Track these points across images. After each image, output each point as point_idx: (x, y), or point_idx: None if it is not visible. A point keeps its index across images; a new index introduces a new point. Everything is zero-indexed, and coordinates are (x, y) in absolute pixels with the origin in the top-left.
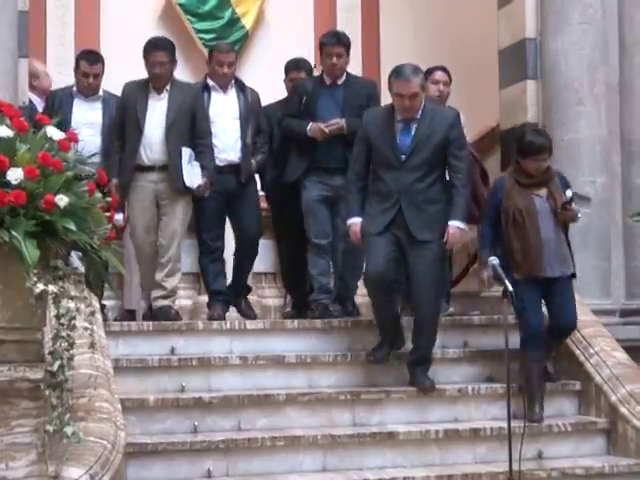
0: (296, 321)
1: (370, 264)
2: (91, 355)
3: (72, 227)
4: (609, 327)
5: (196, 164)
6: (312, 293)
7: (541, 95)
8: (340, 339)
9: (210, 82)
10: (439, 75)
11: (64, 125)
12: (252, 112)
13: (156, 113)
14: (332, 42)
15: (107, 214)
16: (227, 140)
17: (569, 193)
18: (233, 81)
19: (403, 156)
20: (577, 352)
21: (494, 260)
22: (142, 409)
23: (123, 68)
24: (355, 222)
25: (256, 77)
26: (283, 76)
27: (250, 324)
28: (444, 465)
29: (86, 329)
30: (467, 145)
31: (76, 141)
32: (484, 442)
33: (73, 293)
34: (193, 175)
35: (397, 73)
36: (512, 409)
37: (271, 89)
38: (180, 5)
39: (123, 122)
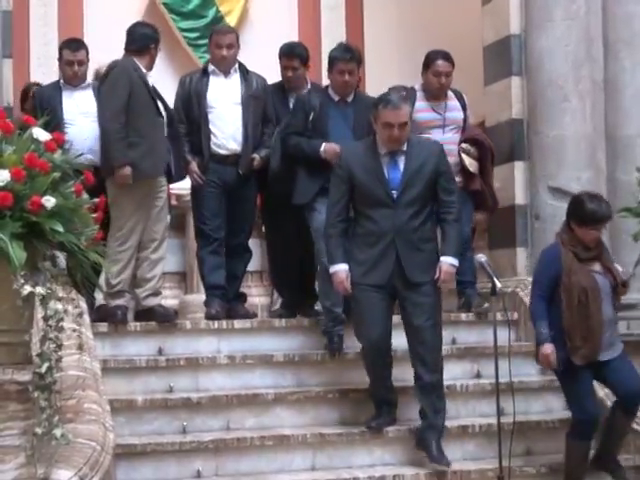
0: (284, 320)
1: (370, 327)
2: (79, 356)
3: (59, 228)
4: None
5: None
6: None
7: (526, 91)
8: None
9: (210, 66)
10: (442, 65)
11: (55, 120)
12: (256, 99)
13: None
14: (345, 58)
15: (94, 215)
16: (227, 128)
17: (620, 267)
18: (237, 65)
19: (395, 192)
20: None
21: (482, 257)
22: (130, 410)
23: None
24: (340, 270)
25: None
26: (277, 61)
27: (238, 323)
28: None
29: (74, 330)
30: (479, 132)
31: (62, 142)
32: (472, 439)
33: (61, 294)
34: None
35: (385, 102)
36: (501, 406)
37: None
38: (164, 4)
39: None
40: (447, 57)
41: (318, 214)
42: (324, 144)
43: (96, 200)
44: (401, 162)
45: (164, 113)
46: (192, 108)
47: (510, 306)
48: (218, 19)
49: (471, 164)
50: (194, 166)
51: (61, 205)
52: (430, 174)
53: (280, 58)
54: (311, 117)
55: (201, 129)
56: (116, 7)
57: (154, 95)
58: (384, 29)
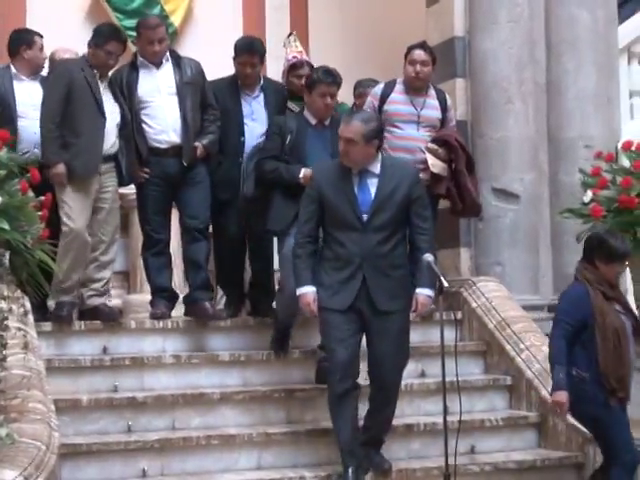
0: (229, 320)
1: (336, 352)
2: (24, 356)
3: (5, 226)
4: (538, 322)
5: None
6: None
7: (470, 93)
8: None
9: (139, 59)
10: (417, 54)
11: (8, 112)
12: (192, 85)
13: (106, 102)
14: (328, 81)
15: (39, 213)
16: (164, 119)
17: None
18: (168, 54)
19: (365, 216)
20: (508, 347)
21: (429, 257)
22: (75, 409)
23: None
24: (307, 292)
25: None
26: (221, 60)
27: (183, 322)
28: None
29: (19, 329)
30: (455, 133)
31: (7, 140)
32: (418, 437)
33: (5, 293)
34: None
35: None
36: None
37: None
38: (108, 2)
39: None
40: (425, 47)
41: (291, 239)
42: (303, 170)
43: (42, 198)
44: (373, 184)
45: (113, 114)
46: (126, 104)
47: (454, 306)
48: (162, 18)
49: (434, 165)
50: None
51: (7, 203)
52: (403, 199)
53: (238, 54)
54: (288, 141)
55: (133, 125)
56: (59, 5)
57: (98, 95)
58: (329, 30)
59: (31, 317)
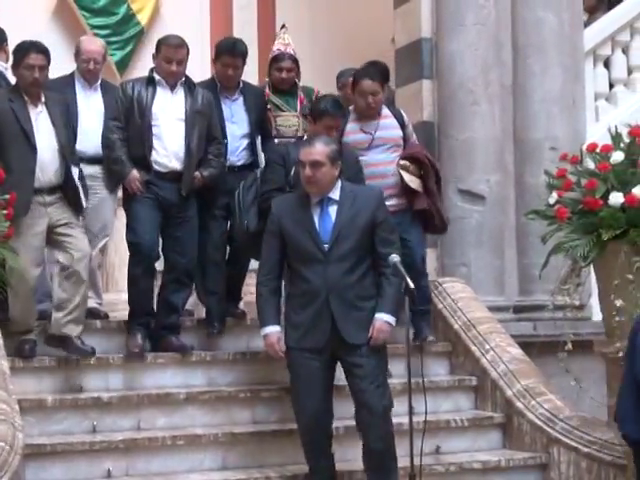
0: (195, 319)
1: (306, 400)
2: None
3: None
4: (503, 323)
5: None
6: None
7: (436, 95)
8: (238, 337)
9: (156, 76)
10: (366, 85)
11: None
12: (201, 115)
13: (42, 130)
14: (336, 114)
15: (4, 212)
16: (170, 144)
17: None
18: (183, 79)
19: (326, 246)
20: (473, 348)
21: (395, 257)
22: (40, 410)
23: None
24: (272, 332)
25: None
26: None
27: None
28: (344, 461)
29: None
30: (423, 150)
31: None
32: None
33: None
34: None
35: (304, 142)
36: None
37: None
38: (74, 0)
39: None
40: (373, 76)
41: None
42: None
43: (7, 196)
44: (333, 212)
45: (51, 141)
46: (134, 118)
47: None
48: (129, 16)
49: (412, 180)
50: (136, 174)
51: None
52: (365, 224)
53: (219, 55)
54: (292, 172)
55: (144, 142)
56: (26, 3)
57: (27, 126)
58: (296, 29)
59: None
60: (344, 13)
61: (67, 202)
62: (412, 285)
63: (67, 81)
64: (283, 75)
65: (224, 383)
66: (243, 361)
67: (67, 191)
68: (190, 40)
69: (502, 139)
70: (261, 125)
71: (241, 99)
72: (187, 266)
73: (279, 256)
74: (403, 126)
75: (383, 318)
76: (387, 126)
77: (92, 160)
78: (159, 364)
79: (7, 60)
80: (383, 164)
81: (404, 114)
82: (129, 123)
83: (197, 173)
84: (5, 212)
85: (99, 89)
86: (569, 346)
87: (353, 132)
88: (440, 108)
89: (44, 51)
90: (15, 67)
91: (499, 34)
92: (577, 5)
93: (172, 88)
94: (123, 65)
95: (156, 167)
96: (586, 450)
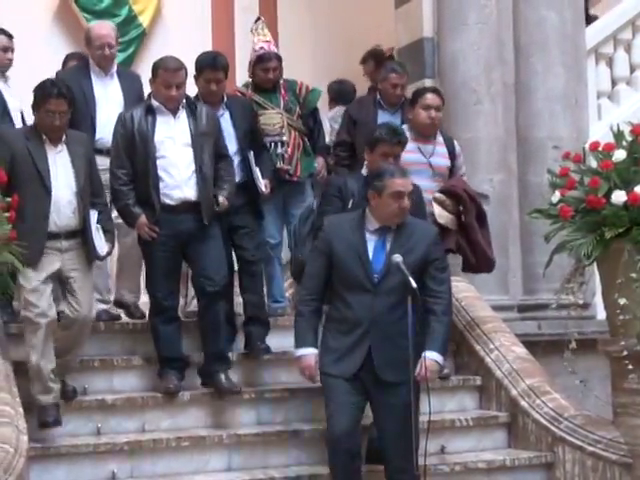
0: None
1: (336, 423)
2: None
3: None
4: (508, 322)
5: (99, 227)
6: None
7: None
8: (243, 338)
9: (155, 102)
10: (431, 99)
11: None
12: (207, 136)
13: (60, 171)
14: (393, 141)
15: (7, 214)
16: (179, 173)
17: None
18: (184, 101)
19: (376, 276)
20: (477, 347)
21: (397, 258)
22: None
23: (17, 69)
24: (308, 354)
25: None
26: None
27: None
28: None
29: None
30: (464, 184)
31: None
32: None
33: None
34: (101, 241)
35: (391, 172)
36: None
37: None
38: (76, 3)
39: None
40: (436, 91)
41: None
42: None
43: (9, 199)
44: (388, 243)
45: (69, 183)
46: (136, 151)
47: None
48: (131, 18)
49: (441, 216)
50: (144, 219)
51: None
52: (419, 261)
53: (200, 70)
54: (350, 204)
55: (149, 177)
56: (27, 6)
57: (42, 166)
58: (298, 31)
59: None
60: (345, 14)
61: (84, 249)
62: (414, 285)
63: (82, 71)
64: (270, 75)
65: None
66: (247, 361)
67: (86, 236)
68: (191, 42)
69: (505, 138)
70: (252, 137)
71: (227, 114)
72: (215, 288)
73: (325, 277)
74: (452, 155)
75: (433, 357)
76: (440, 154)
77: None
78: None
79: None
80: (426, 192)
81: (457, 144)
82: (134, 158)
83: (221, 199)
84: (7, 215)
85: (115, 76)
86: (573, 345)
87: (410, 151)
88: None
89: (65, 95)
90: (35, 108)
91: (501, 33)
92: (579, 3)
93: (173, 113)
94: (125, 67)
95: (167, 201)
96: (591, 449)
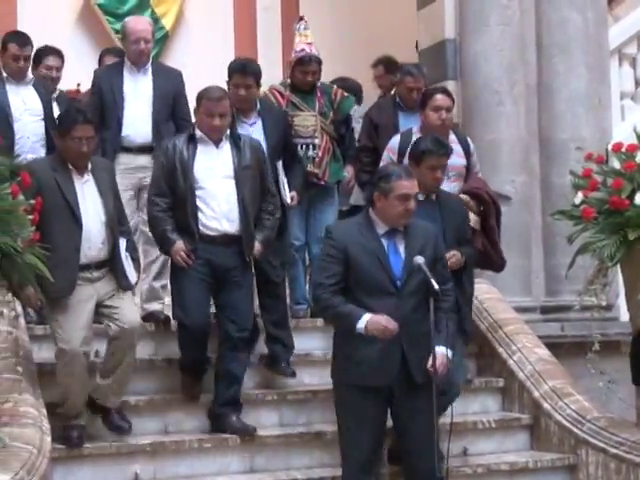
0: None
1: (356, 448)
2: (15, 359)
3: None
4: (530, 324)
5: (128, 255)
6: None
7: (461, 95)
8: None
9: (198, 132)
10: (441, 99)
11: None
12: (251, 170)
13: (88, 202)
14: (439, 153)
15: (30, 217)
16: (218, 205)
17: None
18: (228, 132)
19: (399, 280)
20: (500, 349)
21: (419, 259)
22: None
23: None
24: (369, 318)
25: None
26: (213, 63)
27: (174, 326)
28: None
29: (10, 333)
30: (485, 185)
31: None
32: None
33: None
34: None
35: (397, 173)
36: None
37: (191, 89)
38: (99, 6)
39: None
40: (446, 91)
41: None
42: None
43: (32, 201)
44: (400, 245)
45: (97, 211)
46: (177, 181)
47: None
48: (154, 21)
49: (470, 218)
50: (181, 245)
51: None
52: (430, 260)
53: (230, 75)
54: None
55: (188, 206)
56: (50, 9)
57: (70, 197)
58: (320, 31)
59: (22, 320)
60: (367, 14)
61: (113, 275)
62: (436, 286)
63: (116, 68)
64: (308, 78)
65: (251, 386)
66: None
67: (115, 265)
68: (215, 43)
69: (527, 139)
70: (285, 148)
71: (259, 123)
72: (242, 334)
73: (341, 282)
74: (467, 154)
75: (443, 351)
76: (455, 153)
77: (141, 149)
78: None
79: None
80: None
81: (470, 141)
82: (174, 187)
83: (257, 245)
84: (31, 217)
85: (149, 71)
86: (597, 347)
87: None
88: (465, 109)
89: (91, 120)
90: (61, 136)
91: (523, 34)
92: (601, 3)
93: (216, 143)
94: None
95: (205, 231)
96: (614, 451)
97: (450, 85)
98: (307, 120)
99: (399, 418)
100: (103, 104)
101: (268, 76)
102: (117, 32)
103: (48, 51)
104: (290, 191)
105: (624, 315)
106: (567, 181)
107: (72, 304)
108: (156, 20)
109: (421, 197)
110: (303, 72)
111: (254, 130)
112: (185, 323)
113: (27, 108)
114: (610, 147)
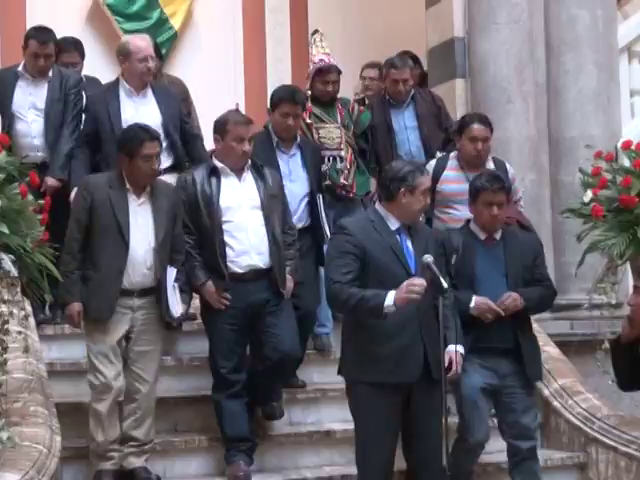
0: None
1: (376, 454)
2: (25, 359)
3: (5, 230)
4: (540, 322)
5: (176, 286)
6: None
7: (470, 94)
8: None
9: (218, 164)
10: (477, 130)
11: (4, 108)
12: (276, 199)
13: (140, 224)
14: (493, 188)
15: (39, 216)
16: (247, 238)
17: None
18: (249, 162)
19: (414, 273)
20: None
21: (428, 258)
22: (77, 412)
23: None
24: (393, 293)
25: (185, 78)
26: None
27: (185, 325)
28: None
29: (20, 333)
30: (518, 215)
31: (6, 143)
32: None
33: (6, 297)
34: (176, 301)
35: (421, 169)
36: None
37: (200, 90)
38: (108, 6)
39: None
40: (484, 120)
41: (467, 379)
42: (474, 298)
43: (41, 201)
44: (409, 241)
45: (146, 236)
46: (201, 216)
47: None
48: (162, 21)
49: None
50: (211, 287)
51: (6, 207)
52: (436, 254)
53: (277, 104)
54: (453, 260)
55: (215, 244)
56: (59, 9)
57: (122, 218)
58: (329, 32)
59: (32, 320)
60: (376, 14)
61: (157, 308)
62: (446, 285)
63: (111, 91)
64: (329, 88)
65: None
66: None
67: (160, 294)
68: (223, 43)
69: (537, 138)
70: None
71: (299, 154)
72: (291, 358)
73: (358, 278)
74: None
75: (457, 350)
76: None
77: None
78: (195, 367)
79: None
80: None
81: (510, 169)
82: (198, 224)
83: (288, 279)
84: (40, 217)
85: (150, 94)
86: (606, 345)
87: (457, 181)
88: (474, 107)
89: (157, 137)
90: (128, 156)
91: (532, 32)
92: (610, 1)
93: (238, 175)
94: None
95: (233, 267)
96: (625, 449)
97: (459, 83)
98: (332, 132)
99: (414, 417)
100: (99, 133)
101: (276, 78)
102: (126, 32)
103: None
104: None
105: None
106: (576, 179)
107: (103, 334)
108: (165, 20)
109: (482, 236)
110: (324, 82)
111: (293, 162)
112: (216, 370)
113: (35, 107)
114: (619, 145)
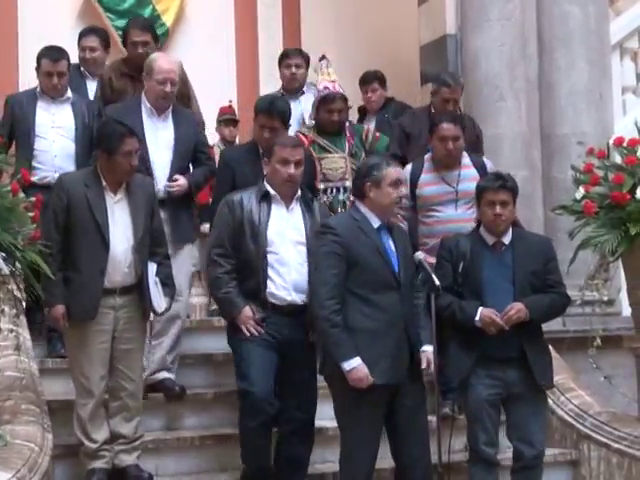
0: (222, 319)
1: (365, 456)
2: (16, 357)
3: None
4: None
5: (158, 280)
6: None
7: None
8: None
9: (270, 190)
10: (447, 129)
11: (25, 130)
12: None
13: (118, 223)
14: (494, 187)
15: (31, 214)
16: (289, 274)
17: None
18: (300, 193)
19: (398, 273)
20: None
21: (420, 255)
22: (69, 410)
23: None
24: (359, 364)
25: None
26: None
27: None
28: None
29: (11, 331)
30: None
31: (27, 182)
32: None
33: None
34: (159, 296)
35: (387, 161)
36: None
37: (193, 85)
38: (99, 2)
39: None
40: (453, 119)
41: (472, 389)
42: (480, 309)
43: (33, 199)
44: (389, 240)
45: (126, 234)
46: (246, 243)
47: None
48: (154, 17)
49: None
50: (249, 312)
51: None
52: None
53: (256, 115)
54: (461, 267)
55: (258, 274)
56: (51, 6)
57: (100, 217)
58: (321, 27)
59: (24, 318)
60: (369, 11)
61: (140, 305)
62: (438, 282)
63: (133, 107)
64: (334, 117)
65: None
66: None
67: (142, 291)
68: (215, 39)
69: (529, 135)
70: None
71: None
72: (308, 420)
73: (344, 281)
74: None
75: (430, 349)
76: (468, 177)
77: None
78: (187, 364)
79: None
80: (461, 221)
81: (489, 164)
82: (240, 248)
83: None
84: (32, 214)
85: (170, 118)
86: (598, 342)
87: (433, 183)
88: (466, 104)
89: (137, 134)
90: (108, 154)
91: (524, 29)
92: None
93: (287, 204)
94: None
95: (272, 299)
96: (617, 446)
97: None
98: (336, 162)
99: (400, 418)
100: None
101: (269, 74)
102: (118, 29)
103: (84, 32)
104: None
105: (626, 310)
106: (568, 176)
107: (89, 335)
108: (157, 17)
109: (490, 241)
110: (328, 111)
111: None
112: (247, 390)
113: (56, 126)
114: (611, 142)
